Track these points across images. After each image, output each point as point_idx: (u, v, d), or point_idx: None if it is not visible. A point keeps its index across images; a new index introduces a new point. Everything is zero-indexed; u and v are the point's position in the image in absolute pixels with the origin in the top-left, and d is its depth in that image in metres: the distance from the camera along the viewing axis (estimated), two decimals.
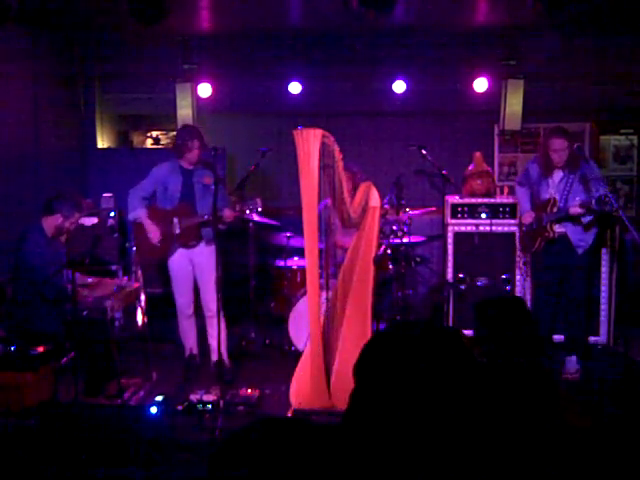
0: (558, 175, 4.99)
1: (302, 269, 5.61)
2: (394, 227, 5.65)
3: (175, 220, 4.95)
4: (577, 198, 4.80)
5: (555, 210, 4.93)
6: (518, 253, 5.72)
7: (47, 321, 4.36)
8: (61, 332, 4.34)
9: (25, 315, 4.36)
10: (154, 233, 4.95)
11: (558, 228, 4.97)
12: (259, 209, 4.87)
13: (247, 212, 4.90)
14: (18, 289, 4.45)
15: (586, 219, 4.86)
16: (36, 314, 4.35)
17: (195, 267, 5.05)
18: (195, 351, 5.23)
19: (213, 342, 5.04)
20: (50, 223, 4.51)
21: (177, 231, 4.97)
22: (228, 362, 5.09)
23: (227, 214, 4.84)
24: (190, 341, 5.21)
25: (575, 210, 4.78)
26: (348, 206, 4.40)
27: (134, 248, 5.12)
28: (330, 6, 5.50)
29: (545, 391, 1.22)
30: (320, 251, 4.18)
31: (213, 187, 4.55)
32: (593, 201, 4.53)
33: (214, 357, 5.05)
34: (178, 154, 4.99)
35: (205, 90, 6.64)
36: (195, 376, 5.03)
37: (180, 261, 5.06)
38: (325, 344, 4.23)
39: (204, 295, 5.07)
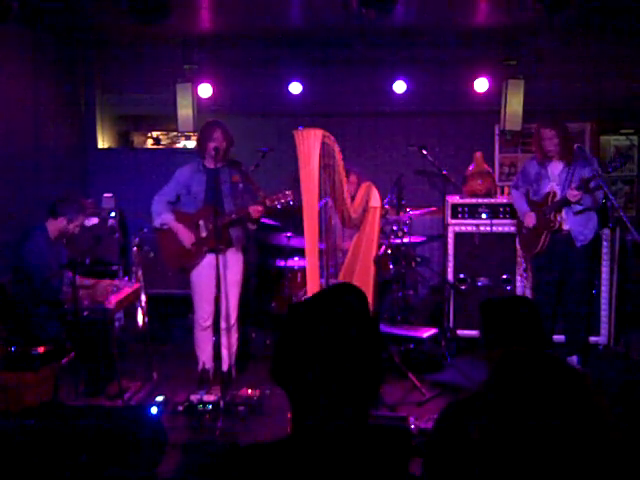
0: (557, 167, 5.03)
1: (303, 269, 5.61)
2: (394, 227, 5.66)
3: (201, 222, 4.68)
4: (573, 185, 4.88)
5: (556, 200, 4.99)
6: (519, 255, 5.72)
7: (48, 321, 4.36)
8: (62, 332, 4.34)
9: (25, 315, 4.36)
10: (187, 237, 4.70)
11: (562, 224, 5.00)
12: (291, 202, 4.56)
13: (278, 206, 4.61)
14: (18, 289, 4.46)
15: (578, 207, 4.93)
16: (36, 314, 4.35)
17: (220, 274, 4.53)
18: (208, 365, 4.88)
19: (225, 352, 4.82)
20: (54, 226, 4.51)
21: (204, 234, 4.69)
22: (235, 373, 5.00)
23: (252, 210, 4.58)
24: (205, 355, 4.90)
25: (572, 193, 4.82)
26: (349, 206, 4.40)
27: (151, 255, 4.95)
28: (330, 6, 5.50)
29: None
30: (320, 251, 4.18)
31: (241, 185, 4.43)
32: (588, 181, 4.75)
33: (224, 367, 4.80)
34: (199, 153, 4.81)
35: (205, 90, 6.63)
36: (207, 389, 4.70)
37: (205, 269, 4.77)
38: None
39: (224, 305, 4.72)
